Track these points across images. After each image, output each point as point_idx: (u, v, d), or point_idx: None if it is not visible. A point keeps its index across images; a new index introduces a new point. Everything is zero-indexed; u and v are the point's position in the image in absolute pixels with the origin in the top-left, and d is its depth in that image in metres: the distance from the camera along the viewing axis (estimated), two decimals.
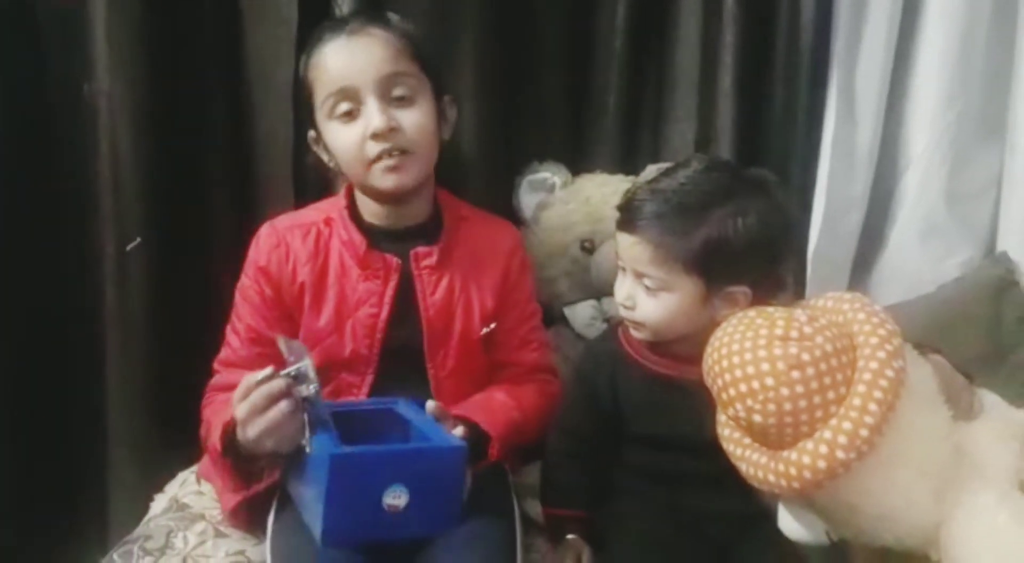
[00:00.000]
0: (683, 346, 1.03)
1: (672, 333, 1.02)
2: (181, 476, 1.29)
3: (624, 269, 1.03)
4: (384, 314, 1.13)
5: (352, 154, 1.10)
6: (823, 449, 0.81)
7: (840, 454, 0.80)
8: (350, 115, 1.09)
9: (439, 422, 1.03)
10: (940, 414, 0.87)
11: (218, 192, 1.44)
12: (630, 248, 1.00)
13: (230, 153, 1.44)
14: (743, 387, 0.84)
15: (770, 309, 0.90)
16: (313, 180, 1.41)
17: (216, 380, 1.19)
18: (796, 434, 0.83)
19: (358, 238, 1.15)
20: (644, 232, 0.98)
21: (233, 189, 1.45)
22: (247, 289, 1.18)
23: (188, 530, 1.11)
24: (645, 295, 1.00)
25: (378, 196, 1.15)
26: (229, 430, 1.01)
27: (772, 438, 0.85)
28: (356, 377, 1.14)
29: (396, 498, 0.94)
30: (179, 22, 1.37)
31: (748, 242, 0.96)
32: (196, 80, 1.40)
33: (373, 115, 1.07)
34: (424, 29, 1.38)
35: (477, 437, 1.06)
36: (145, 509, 1.26)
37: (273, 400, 0.95)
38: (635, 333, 1.06)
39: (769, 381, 0.83)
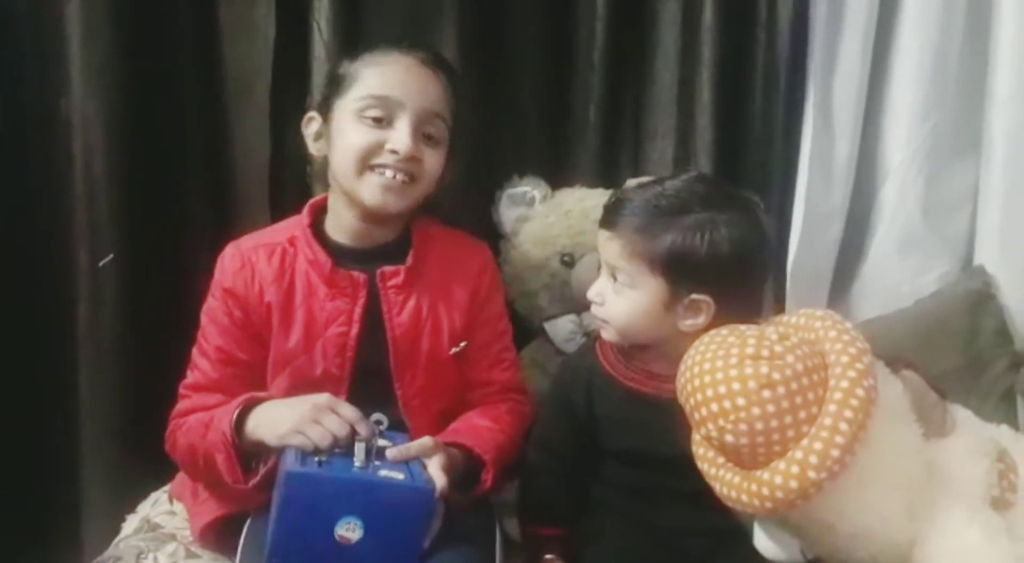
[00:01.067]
0: (658, 363, 1.03)
1: (636, 335, 1.03)
2: (154, 496, 1.27)
3: (601, 268, 1.06)
4: (354, 332, 1.12)
5: (359, 154, 1.08)
6: (795, 469, 0.81)
7: (812, 475, 0.80)
8: (378, 122, 1.08)
9: (427, 456, 1.01)
10: (912, 432, 0.87)
11: (194, 207, 1.43)
12: (605, 242, 1.03)
13: (206, 168, 1.44)
14: (715, 407, 0.84)
15: (742, 327, 0.90)
16: (290, 195, 1.41)
17: (184, 405, 1.15)
18: (768, 454, 0.83)
19: (323, 257, 1.13)
20: (618, 228, 1.01)
21: (209, 204, 1.44)
22: (215, 311, 1.15)
23: (159, 551, 1.10)
24: (613, 292, 1.02)
25: (357, 207, 1.13)
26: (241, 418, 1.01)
27: (745, 458, 0.85)
28: None
29: (349, 530, 0.93)
30: (156, 37, 1.37)
31: (714, 254, 0.96)
32: (172, 95, 1.40)
33: (403, 135, 1.08)
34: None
35: (470, 464, 1.05)
36: (117, 530, 1.25)
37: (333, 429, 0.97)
38: (604, 335, 1.07)
39: (740, 401, 0.82)
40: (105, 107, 1.33)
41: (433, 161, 1.12)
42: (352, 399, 1.11)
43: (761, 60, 1.51)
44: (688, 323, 0.99)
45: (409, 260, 1.15)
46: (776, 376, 0.82)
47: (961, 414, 0.95)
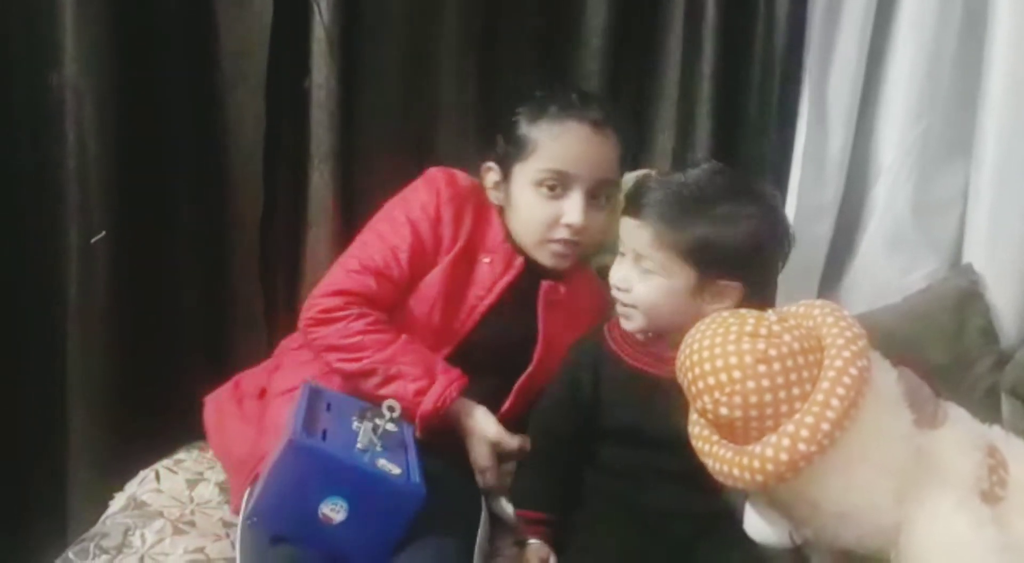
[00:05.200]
0: (665, 345, 1.04)
1: (661, 320, 1.03)
2: (142, 474, 1.26)
3: (623, 254, 1.07)
4: (487, 301, 1.17)
5: (537, 226, 1.16)
6: (786, 442, 0.82)
7: (802, 447, 0.82)
8: (553, 190, 1.14)
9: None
10: (902, 417, 0.89)
11: (186, 185, 1.42)
12: (633, 231, 1.04)
13: (199, 146, 1.42)
14: (711, 380, 0.86)
15: (743, 310, 0.92)
16: (283, 174, 1.40)
17: (342, 307, 1.13)
18: (761, 428, 0.85)
19: (504, 230, 1.20)
20: (646, 217, 1.02)
21: (202, 183, 1.43)
22: (410, 224, 1.16)
23: (146, 528, 1.09)
24: (640, 278, 1.03)
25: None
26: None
27: (738, 432, 0.86)
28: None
29: (334, 511, 0.94)
30: (149, 13, 1.35)
31: (742, 243, 1.00)
32: (166, 72, 1.38)
33: (575, 210, 1.14)
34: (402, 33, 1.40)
35: None
36: (105, 508, 1.23)
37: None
38: (626, 324, 1.07)
39: (736, 374, 0.84)
40: (97, 83, 1.31)
41: (599, 223, 1.17)
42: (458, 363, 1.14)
43: (759, 57, 1.52)
44: (714, 307, 1.00)
45: (565, 281, 1.21)
46: (772, 352, 0.84)
47: (955, 411, 0.96)
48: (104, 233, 1.33)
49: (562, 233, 1.15)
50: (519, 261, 1.19)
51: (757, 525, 0.91)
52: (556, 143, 1.13)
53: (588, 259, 1.27)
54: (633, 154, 1.25)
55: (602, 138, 1.14)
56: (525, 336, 1.18)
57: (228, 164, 1.45)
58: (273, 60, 1.40)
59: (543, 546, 1.07)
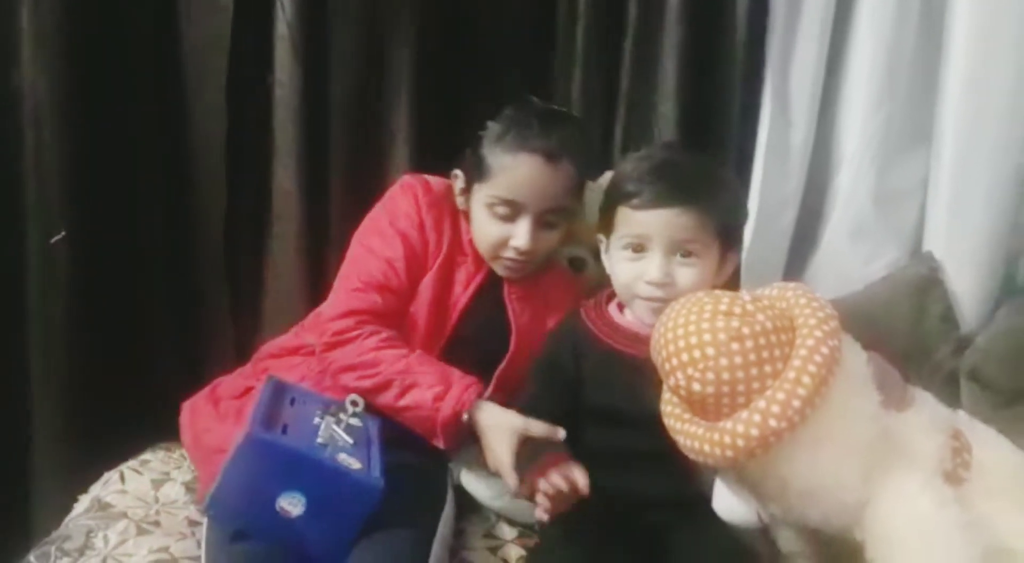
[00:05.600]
0: (641, 325, 1.05)
1: None
2: (106, 476, 1.25)
3: (642, 249, 1.03)
4: (465, 300, 1.21)
5: (488, 245, 1.20)
6: (756, 418, 0.83)
7: (772, 423, 0.83)
8: (504, 217, 1.17)
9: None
10: (870, 399, 0.90)
11: (149, 184, 1.41)
12: (671, 221, 1.01)
13: (162, 144, 1.41)
14: (685, 356, 0.87)
15: (717, 291, 0.93)
16: (247, 172, 1.39)
17: (354, 327, 1.14)
18: (733, 405, 0.86)
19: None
20: (687, 202, 1.01)
21: (165, 181, 1.42)
22: (398, 237, 1.19)
23: (109, 529, 1.08)
24: (682, 267, 1.02)
25: None
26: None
27: (710, 409, 0.87)
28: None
29: (292, 505, 0.94)
30: (110, 11, 1.34)
31: (741, 212, 1.10)
32: (127, 71, 1.37)
33: (523, 235, 1.17)
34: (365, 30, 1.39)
35: None
36: (70, 512, 1.22)
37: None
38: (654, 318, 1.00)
39: (710, 351, 0.86)
40: (56, 80, 1.30)
41: (548, 243, 1.21)
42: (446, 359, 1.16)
43: (723, 50, 1.53)
44: (720, 280, 1.05)
45: (528, 282, 1.25)
46: (745, 330, 0.86)
47: (921, 395, 0.98)
48: (64, 233, 1.31)
49: (511, 253, 1.18)
50: (487, 267, 1.23)
51: (727, 503, 0.92)
52: (508, 174, 1.16)
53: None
54: (594, 171, 1.26)
55: (553, 169, 1.15)
56: (500, 330, 1.21)
57: (192, 161, 1.44)
58: (235, 57, 1.39)
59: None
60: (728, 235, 1.05)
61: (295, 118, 1.40)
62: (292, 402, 1.06)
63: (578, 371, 1.08)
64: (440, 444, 1.09)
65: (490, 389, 1.16)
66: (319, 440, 0.99)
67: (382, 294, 1.16)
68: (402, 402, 1.08)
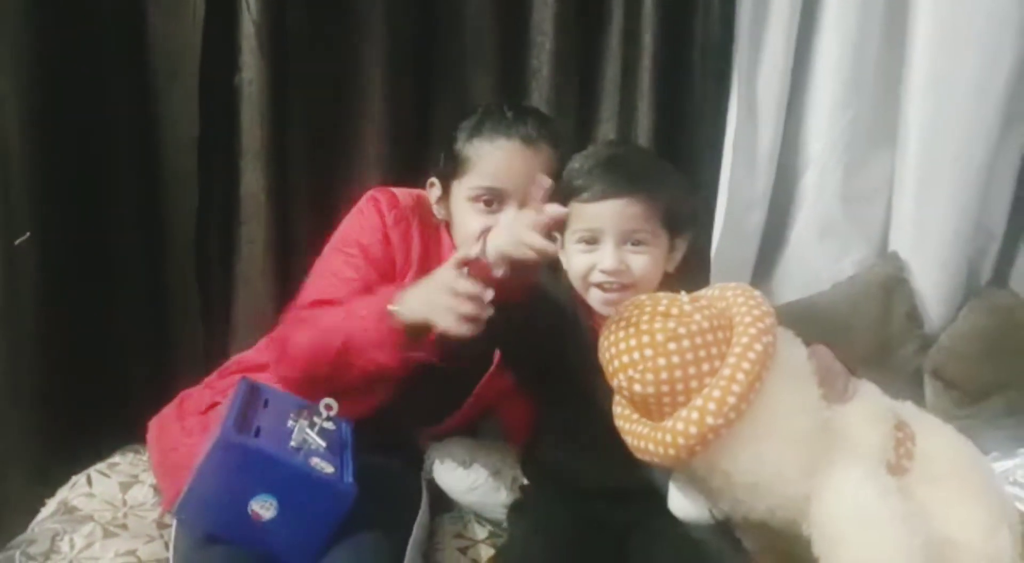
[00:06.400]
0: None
1: (649, 291, 1.03)
2: (74, 479, 1.24)
3: (594, 241, 1.04)
4: None
5: (473, 237, 1.13)
6: (695, 416, 0.85)
7: (710, 420, 0.85)
8: (489, 206, 1.15)
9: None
10: (810, 392, 0.92)
11: (118, 186, 1.40)
12: (620, 210, 1.03)
13: (131, 146, 1.40)
14: (625, 358, 0.89)
15: (659, 293, 0.95)
16: (218, 174, 1.39)
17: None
18: (674, 404, 0.87)
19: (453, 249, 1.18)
20: (635, 191, 1.03)
21: (135, 183, 1.41)
22: (373, 250, 1.16)
23: (75, 533, 1.07)
24: (634, 255, 1.04)
25: None
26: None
27: (653, 409, 0.89)
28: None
29: (264, 509, 0.94)
30: (77, 14, 1.33)
31: (685, 198, 1.10)
32: (96, 71, 1.36)
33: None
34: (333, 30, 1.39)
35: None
36: (36, 515, 1.21)
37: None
38: (611, 310, 1.01)
39: (648, 352, 0.88)
40: (21, 81, 1.28)
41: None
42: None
43: (696, 52, 1.54)
44: (671, 265, 1.07)
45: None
46: (682, 330, 0.87)
47: (865, 386, 1.00)
48: (28, 234, 1.30)
49: None
50: None
51: (679, 502, 0.93)
52: (488, 161, 1.15)
53: None
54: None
55: (533, 153, 1.15)
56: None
57: (162, 160, 1.43)
58: (205, 56, 1.38)
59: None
60: (675, 222, 1.07)
61: (262, 118, 1.38)
62: (265, 404, 1.05)
63: (561, 334, 1.08)
64: (395, 360, 1.01)
65: (470, 400, 1.16)
66: (292, 443, 0.98)
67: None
68: (345, 336, 1.03)
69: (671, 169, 1.12)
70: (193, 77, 1.38)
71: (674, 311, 0.89)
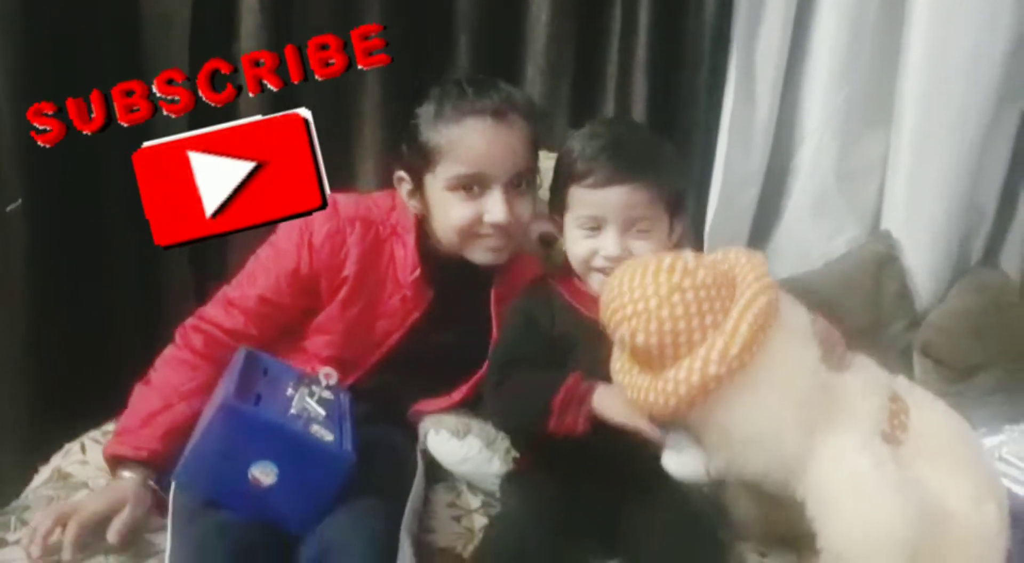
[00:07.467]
0: None
1: None
2: (67, 447, 1.23)
3: (597, 227, 1.04)
4: (395, 336, 1.14)
5: (461, 228, 1.09)
6: (697, 364, 0.86)
7: (712, 369, 0.85)
8: (470, 191, 1.08)
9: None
10: (810, 352, 0.92)
11: (112, 156, 1.37)
12: (627, 198, 1.02)
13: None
14: (629, 309, 0.89)
15: (661, 253, 0.96)
16: None
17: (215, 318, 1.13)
18: (676, 356, 0.88)
19: (413, 262, 1.13)
20: (641, 178, 1.01)
21: (124, 150, 1.38)
22: (280, 257, 1.12)
23: (69, 499, 1.07)
24: (639, 241, 1.03)
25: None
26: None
27: (654, 360, 0.90)
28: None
29: (264, 475, 0.94)
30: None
31: (682, 177, 1.09)
32: (86, 38, 1.33)
33: (498, 207, 1.08)
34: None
35: None
36: (30, 482, 1.21)
37: None
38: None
39: (652, 302, 0.88)
40: (8, 44, 1.26)
41: (527, 209, 1.12)
42: (366, 389, 1.13)
43: (689, 28, 1.54)
44: (668, 247, 1.05)
45: (503, 278, 1.17)
46: (686, 283, 0.88)
47: (861, 359, 1.01)
48: (20, 201, 1.28)
49: (488, 231, 1.10)
50: (430, 296, 1.14)
51: (674, 459, 0.94)
52: (461, 146, 1.07)
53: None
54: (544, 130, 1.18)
55: (507, 126, 1.08)
56: (468, 337, 1.15)
57: (154, 134, 1.41)
58: (197, 24, 1.37)
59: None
60: (676, 205, 1.07)
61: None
62: (265, 372, 1.06)
63: (553, 328, 1.08)
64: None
65: (463, 392, 1.15)
66: (292, 411, 0.99)
67: (243, 317, 1.12)
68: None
69: (671, 150, 1.10)
70: (184, 44, 1.37)
71: (679, 266, 0.90)
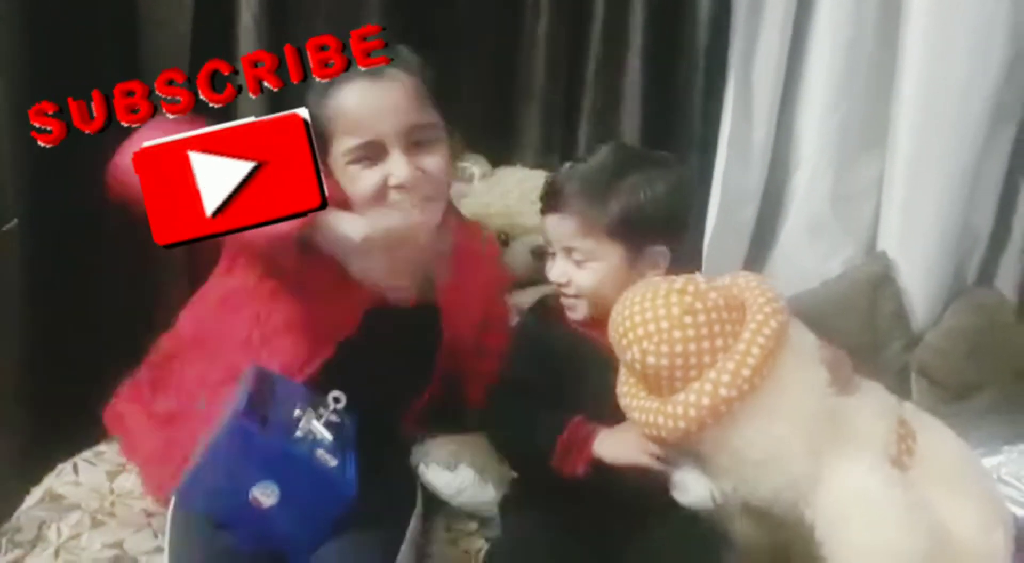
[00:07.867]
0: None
1: (608, 301, 1.03)
2: (60, 467, 1.22)
3: (554, 254, 1.11)
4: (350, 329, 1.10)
5: (370, 197, 1.06)
6: (708, 387, 0.87)
7: (723, 391, 0.86)
8: (371, 161, 1.06)
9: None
10: (819, 376, 0.93)
11: (105, 171, 1.37)
12: (557, 226, 1.08)
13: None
14: (640, 331, 0.90)
15: (672, 276, 0.97)
16: None
17: None
18: (685, 378, 0.89)
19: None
20: (567, 208, 1.07)
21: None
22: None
23: (62, 521, 1.06)
24: (576, 269, 1.07)
25: None
26: None
27: (664, 383, 0.90)
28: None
29: (265, 496, 0.94)
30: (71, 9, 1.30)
31: (657, 208, 1.06)
32: (86, 62, 1.33)
33: (399, 167, 1.05)
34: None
35: None
36: (22, 503, 1.19)
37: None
38: (572, 315, 1.11)
39: (664, 324, 0.89)
40: (8, 63, 1.26)
41: (437, 164, 1.08)
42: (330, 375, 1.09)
43: (686, 49, 1.55)
44: (651, 273, 1.06)
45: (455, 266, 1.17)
46: (698, 305, 0.89)
47: (869, 383, 1.01)
48: (16, 221, 1.28)
49: (396, 196, 1.05)
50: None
51: (682, 485, 0.93)
52: (343, 115, 1.04)
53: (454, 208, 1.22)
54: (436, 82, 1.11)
55: (387, 85, 1.04)
56: (419, 317, 1.12)
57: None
58: (197, 46, 1.37)
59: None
60: (633, 232, 1.05)
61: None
62: (274, 392, 1.04)
63: (554, 352, 1.10)
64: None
65: (433, 386, 1.16)
66: (298, 433, 0.98)
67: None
68: None
69: (647, 175, 1.07)
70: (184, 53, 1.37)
71: (690, 289, 0.91)
